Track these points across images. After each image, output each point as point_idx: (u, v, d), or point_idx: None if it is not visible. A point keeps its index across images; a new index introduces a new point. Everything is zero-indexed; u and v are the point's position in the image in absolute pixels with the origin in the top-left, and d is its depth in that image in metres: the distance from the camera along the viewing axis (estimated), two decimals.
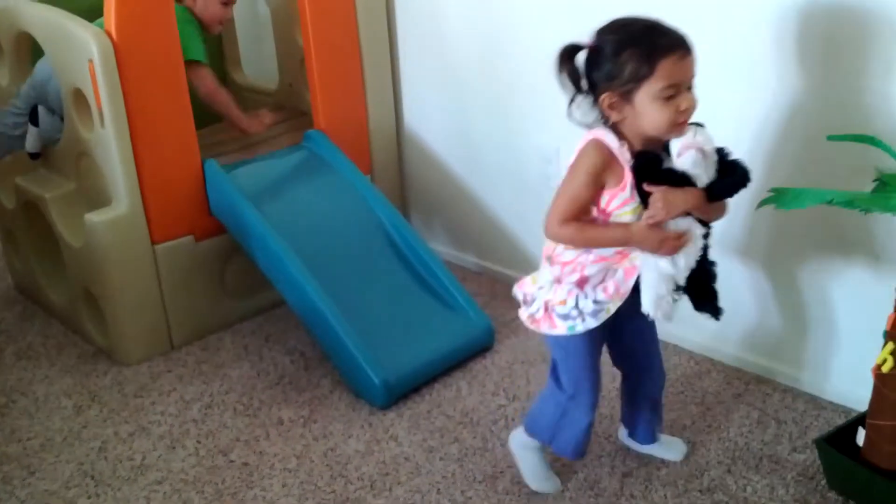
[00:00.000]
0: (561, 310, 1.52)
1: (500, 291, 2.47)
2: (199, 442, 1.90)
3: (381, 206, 2.32)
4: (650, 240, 1.43)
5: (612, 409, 1.88)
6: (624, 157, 1.43)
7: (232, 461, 1.83)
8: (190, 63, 2.30)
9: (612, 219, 1.45)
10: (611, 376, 1.79)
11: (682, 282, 1.48)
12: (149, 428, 1.95)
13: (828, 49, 1.71)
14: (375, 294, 2.16)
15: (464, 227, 2.63)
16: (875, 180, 1.61)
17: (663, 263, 1.45)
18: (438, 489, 1.71)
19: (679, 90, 1.38)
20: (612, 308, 1.50)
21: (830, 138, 1.63)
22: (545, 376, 2.03)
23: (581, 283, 1.50)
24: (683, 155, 1.40)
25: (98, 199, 2.22)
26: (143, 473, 1.81)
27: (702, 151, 1.40)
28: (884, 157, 1.56)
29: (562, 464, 1.75)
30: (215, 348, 2.26)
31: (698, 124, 1.45)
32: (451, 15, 2.41)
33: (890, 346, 1.52)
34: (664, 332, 2.13)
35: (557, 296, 1.52)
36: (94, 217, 2.11)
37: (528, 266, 2.44)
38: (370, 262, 2.23)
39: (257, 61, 3.05)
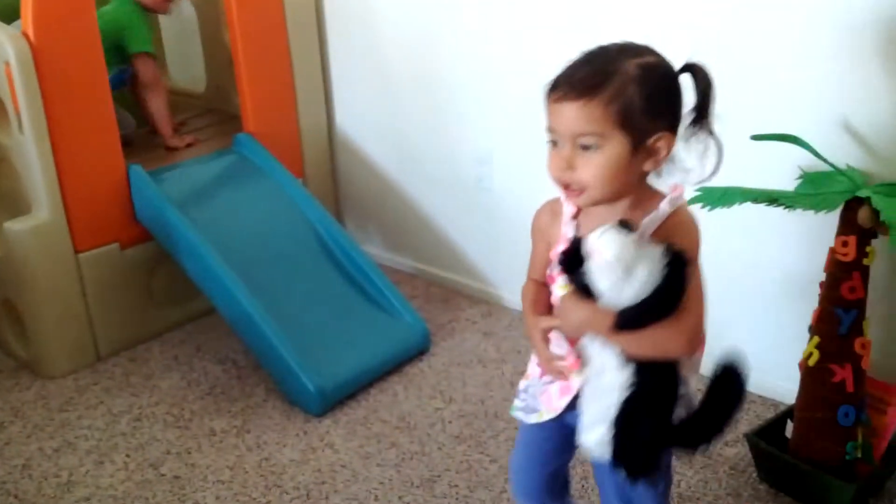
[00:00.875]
0: (521, 383, 1.30)
1: (435, 294, 2.47)
2: (128, 456, 1.84)
3: (314, 210, 2.29)
4: (533, 347, 1.19)
5: None
6: (567, 213, 1.18)
7: (163, 475, 1.78)
8: (138, 54, 2.33)
9: (553, 289, 1.19)
10: None
11: (587, 431, 1.13)
12: (75, 443, 1.89)
13: (749, 45, 1.75)
14: (309, 299, 2.13)
15: (399, 230, 2.62)
16: (798, 178, 1.65)
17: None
18: (376, 496, 1.69)
19: (557, 140, 1.10)
20: (546, 416, 1.23)
21: (754, 138, 1.67)
22: (481, 378, 2.04)
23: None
24: (591, 258, 1.05)
25: (18, 206, 2.13)
26: (69, 490, 1.74)
27: (605, 261, 1.03)
28: (806, 156, 1.60)
29: (499, 466, 1.75)
30: (144, 359, 2.20)
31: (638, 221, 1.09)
32: (383, 15, 2.40)
33: (815, 340, 1.56)
34: None
35: (530, 364, 1.28)
36: (14, 225, 2.03)
37: (463, 268, 2.45)
38: (303, 267, 2.20)
39: (183, 63, 2.98)
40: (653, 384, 1.09)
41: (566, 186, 1.10)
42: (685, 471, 1.71)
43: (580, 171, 1.07)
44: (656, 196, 1.12)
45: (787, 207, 1.54)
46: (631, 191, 1.11)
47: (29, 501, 1.72)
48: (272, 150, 2.37)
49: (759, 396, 1.90)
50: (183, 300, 2.32)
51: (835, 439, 1.56)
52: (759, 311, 1.89)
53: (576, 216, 1.17)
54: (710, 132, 1.11)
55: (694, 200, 1.59)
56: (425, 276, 2.57)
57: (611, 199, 1.11)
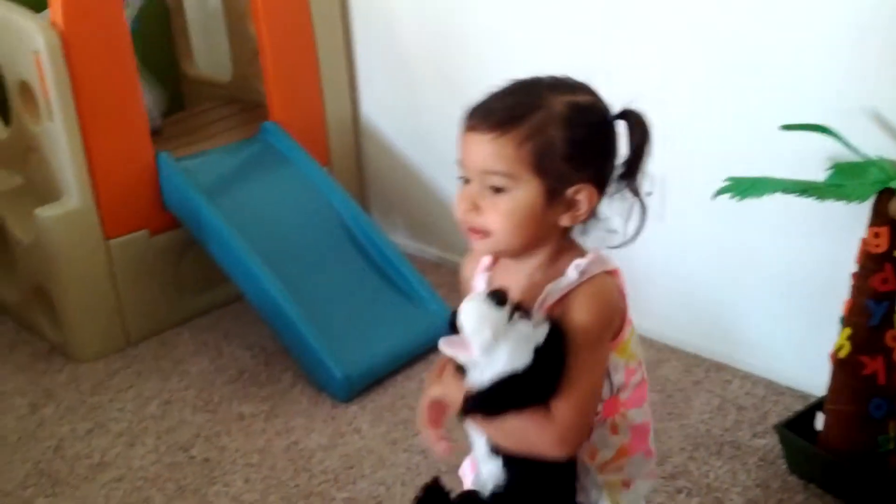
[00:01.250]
0: None
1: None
2: (158, 438, 1.87)
3: (340, 198, 2.30)
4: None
5: None
6: (483, 263, 1.07)
7: (192, 457, 1.80)
8: None
9: None
10: None
11: None
12: (107, 425, 1.92)
13: (779, 33, 1.74)
14: (335, 287, 2.14)
15: (424, 219, 2.62)
16: (828, 169, 1.64)
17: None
18: (403, 481, 1.71)
19: (466, 176, 0.98)
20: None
21: (784, 128, 1.66)
22: None
23: None
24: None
25: (48, 193, 2.16)
26: (101, 471, 1.77)
27: (464, 335, 0.92)
28: (837, 146, 1.59)
29: None
30: (173, 344, 2.23)
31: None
32: (408, 3, 2.40)
33: (847, 331, 1.55)
34: None
35: None
36: (45, 212, 2.06)
37: None
38: (329, 254, 2.21)
39: (209, 53, 3.00)
40: (524, 484, 0.95)
41: (471, 230, 0.97)
42: (714, 461, 1.71)
43: (485, 215, 0.95)
44: (575, 257, 0.98)
45: (818, 198, 1.54)
46: (546, 246, 0.98)
47: (62, 481, 1.75)
48: (298, 139, 2.38)
49: (789, 388, 1.90)
50: (211, 286, 2.34)
51: (866, 432, 1.55)
52: (790, 303, 1.88)
53: (491, 267, 1.05)
54: (636, 193, 1.00)
55: (722, 191, 1.59)
56: (450, 265, 2.57)
57: (519, 251, 0.98)
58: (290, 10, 2.39)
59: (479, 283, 1.05)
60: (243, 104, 2.65)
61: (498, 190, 0.94)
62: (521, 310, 0.93)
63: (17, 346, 2.25)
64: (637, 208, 1.01)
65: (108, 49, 2.05)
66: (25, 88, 2.06)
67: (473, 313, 0.90)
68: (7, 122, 2.25)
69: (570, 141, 0.94)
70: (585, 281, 0.96)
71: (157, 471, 1.77)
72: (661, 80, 1.93)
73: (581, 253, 1.00)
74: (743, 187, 1.57)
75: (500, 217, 0.95)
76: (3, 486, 1.74)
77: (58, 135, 2.02)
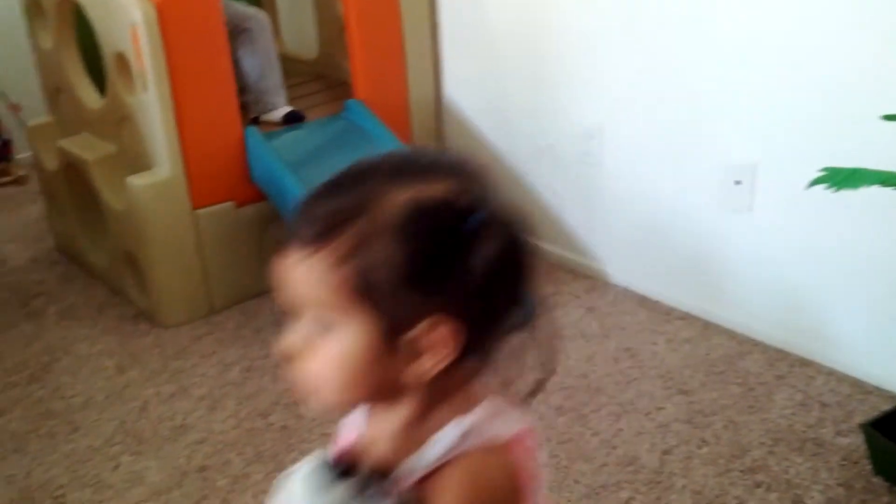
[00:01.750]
0: None
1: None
2: (238, 404, 1.91)
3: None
4: None
5: (653, 386, 1.88)
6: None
7: (271, 424, 1.84)
8: None
9: None
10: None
11: None
12: (189, 389, 1.97)
13: (880, 25, 1.67)
14: None
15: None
16: None
17: None
18: None
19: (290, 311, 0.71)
20: None
21: (886, 118, 1.60)
22: (583, 352, 2.04)
23: None
24: None
25: (140, 163, 2.23)
26: (183, 433, 1.83)
27: None
28: None
29: (600, 439, 1.74)
30: (254, 313, 2.27)
31: None
32: None
33: None
34: (703, 309, 2.13)
35: None
36: (137, 180, 2.12)
37: (567, 242, 2.43)
38: None
39: (296, 30, 3.04)
40: None
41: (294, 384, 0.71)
42: (794, 457, 1.67)
43: (308, 362, 0.68)
44: (460, 411, 0.70)
45: None
46: (408, 400, 0.70)
47: (146, 441, 1.81)
48: (381, 117, 2.40)
49: (877, 387, 1.84)
50: None
51: None
52: (881, 300, 1.82)
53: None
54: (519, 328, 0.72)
55: (817, 181, 1.54)
56: None
57: (368, 403, 0.73)
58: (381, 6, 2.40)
59: (351, 424, 0.77)
60: (328, 81, 2.68)
61: (323, 329, 0.67)
62: (379, 480, 0.68)
63: (106, 310, 2.33)
64: (532, 351, 0.73)
65: (202, 23, 2.09)
66: (122, 60, 2.12)
67: (300, 488, 0.67)
68: (102, 92, 2.32)
69: (409, 257, 0.64)
70: (461, 455, 0.68)
71: (237, 435, 1.81)
72: (752, 67, 1.88)
73: (470, 403, 0.70)
74: (839, 178, 1.52)
75: (321, 367, 0.68)
76: (92, 443, 1.81)
77: (151, 105, 2.07)
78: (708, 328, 2.11)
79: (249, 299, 2.33)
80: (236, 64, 2.42)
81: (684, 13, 1.97)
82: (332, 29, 2.66)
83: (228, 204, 2.24)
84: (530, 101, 2.41)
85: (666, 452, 1.71)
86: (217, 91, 2.15)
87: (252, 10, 2.50)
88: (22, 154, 3.39)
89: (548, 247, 2.49)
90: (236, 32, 2.34)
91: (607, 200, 2.30)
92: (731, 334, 2.08)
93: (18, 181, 3.30)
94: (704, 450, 1.71)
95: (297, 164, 2.21)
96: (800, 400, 1.84)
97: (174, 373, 2.04)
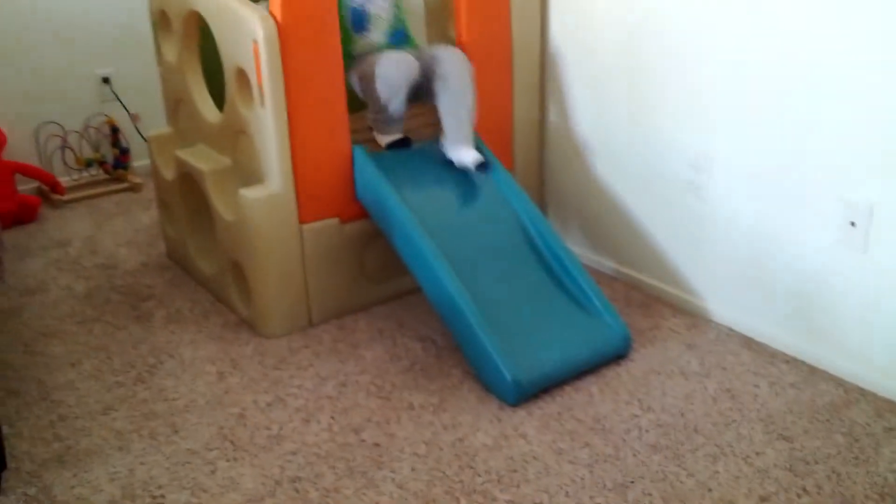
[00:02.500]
0: None
1: (635, 299, 2.43)
2: (332, 418, 1.94)
3: (523, 202, 2.31)
4: None
5: (753, 430, 1.82)
6: None
7: (363, 440, 1.86)
8: None
9: None
10: None
11: None
12: (286, 400, 2.02)
13: None
14: (511, 290, 2.15)
15: (602, 230, 2.59)
16: None
17: None
18: (567, 492, 1.69)
19: None
20: None
21: None
22: (682, 390, 1.99)
23: None
24: None
25: (251, 176, 2.30)
26: (278, 443, 1.86)
27: None
28: None
29: (696, 481, 1.70)
30: (351, 329, 2.31)
31: None
32: (601, 13, 2.38)
33: None
34: (809, 353, 2.05)
35: None
36: (249, 193, 2.19)
37: (668, 275, 2.39)
38: (508, 257, 2.23)
39: None
40: None
41: None
42: None
43: None
44: None
45: None
46: None
47: (242, 448, 1.85)
48: (485, 141, 2.41)
49: None
50: (391, 277, 2.42)
51: None
52: None
53: None
54: None
55: None
56: (626, 279, 2.54)
57: None
58: (491, 12, 2.43)
59: None
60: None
61: None
62: None
63: (211, 317, 2.41)
64: None
65: (319, 42, 2.15)
66: (241, 75, 2.20)
67: None
68: (220, 107, 2.41)
69: None
70: None
71: (330, 449, 1.84)
72: (869, 103, 1.82)
73: None
74: None
75: None
76: (191, 446, 1.87)
77: (267, 121, 2.14)
78: (814, 373, 2.04)
79: (346, 315, 2.37)
80: (423, 95, 2.38)
81: (797, 44, 1.92)
82: None
83: (333, 220, 2.28)
84: (635, 128, 2.39)
85: (764, 499, 1.65)
86: (329, 109, 2.21)
87: (443, 53, 2.36)
88: (138, 162, 3.56)
89: (649, 280, 2.46)
90: (430, 76, 2.33)
91: (713, 234, 2.25)
92: (838, 381, 2.00)
93: (134, 188, 3.46)
94: (805, 499, 1.65)
95: (401, 184, 2.24)
96: None
97: (272, 382, 2.09)
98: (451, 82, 2.30)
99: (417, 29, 2.91)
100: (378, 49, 2.37)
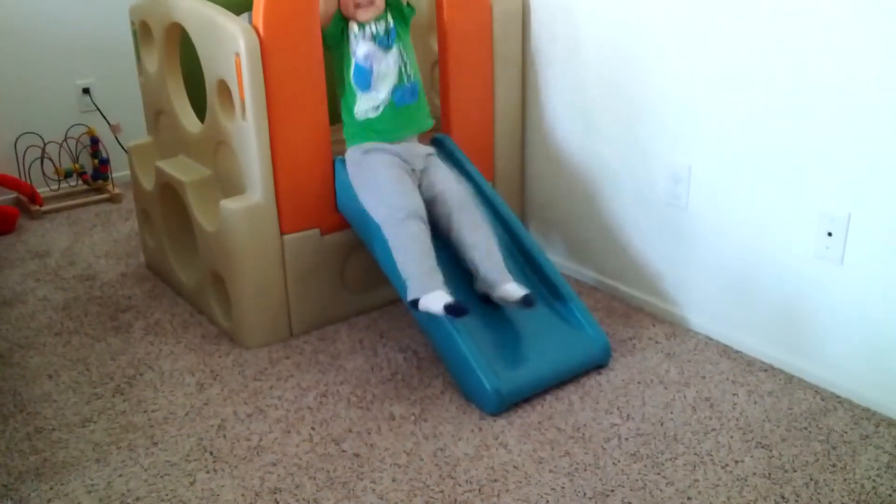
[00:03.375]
0: None
1: (616, 309, 2.44)
2: (313, 429, 1.94)
3: (505, 214, 2.32)
4: None
5: (732, 438, 1.83)
6: None
7: (344, 451, 1.86)
8: None
9: None
10: None
11: None
12: (266, 411, 2.01)
13: None
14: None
15: (583, 241, 2.61)
16: None
17: None
18: (547, 501, 1.70)
19: None
20: None
21: None
22: (661, 399, 2.00)
23: None
24: None
25: (232, 186, 2.30)
26: (258, 454, 1.86)
27: None
28: None
29: (675, 489, 1.71)
30: (332, 339, 2.31)
31: None
32: (584, 30, 2.40)
33: None
34: (787, 362, 2.07)
35: None
36: (230, 204, 2.19)
37: (648, 286, 2.41)
38: None
39: None
40: None
41: None
42: None
43: None
44: None
45: None
46: None
47: (222, 459, 1.85)
48: (466, 152, 2.43)
49: None
50: (371, 288, 2.42)
51: None
52: None
53: None
54: None
55: None
56: (607, 289, 2.55)
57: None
58: (474, 27, 2.45)
59: None
60: None
61: None
62: None
63: (190, 328, 2.40)
64: None
65: (301, 55, 2.15)
66: (223, 86, 2.20)
67: None
68: (201, 119, 2.41)
69: None
70: None
71: (310, 460, 1.84)
72: (848, 116, 1.85)
73: None
74: None
75: None
76: (170, 458, 1.85)
77: (249, 133, 2.14)
78: (791, 382, 2.06)
79: (326, 325, 2.37)
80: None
81: (777, 59, 1.95)
82: (424, 63, 2.70)
83: (314, 231, 2.29)
84: (617, 140, 2.41)
85: None
86: (311, 121, 2.21)
87: (444, 185, 2.20)
88: (118, 173, 3.54)
89: (630, 290, 2.47)
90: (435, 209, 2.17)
91: (693, 245, 2.27)
92: (815, 389, 2.02)
93: (113, 199, 3.44)
94: None
95: None
96: (886, 462, 1.77)
97: (252, 393, 2.08)
98: (464, 215, 2.14)
99: None
100: (383, 113, 2.20)
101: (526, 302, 2.01)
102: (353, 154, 2.22)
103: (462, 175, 2.33)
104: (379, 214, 2.10)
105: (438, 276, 2.00)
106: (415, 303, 1.99)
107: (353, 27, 2.19)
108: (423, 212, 2.10)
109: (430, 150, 2.29)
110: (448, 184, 2.20)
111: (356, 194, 2.18)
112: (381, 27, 2.19)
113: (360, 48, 2.18)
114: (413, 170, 2.20)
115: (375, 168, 2.16)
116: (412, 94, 2.23)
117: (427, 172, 2.22)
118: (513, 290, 2.04)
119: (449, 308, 1.92)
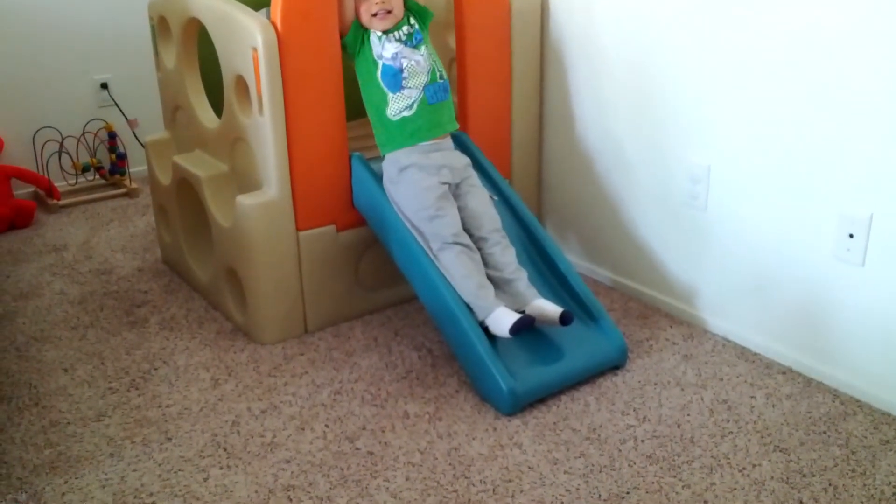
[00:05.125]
0: None
1: (633, 309, 2.42)
2: (327, 426, 1.93)
3: (522, 212, 2.31)
4: None
5: (749, 442, 1.81)
6: None
7: (358, 448, 1.85)
8: None
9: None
10: None
11: None
12: (280, 407, 2.00)
13: None
14: None
15: (600, 240, 2.59)
16: None
17: None
18: (562, 502, 1.68)
19: None
20: None
21: None
22: (678, 401, 1.99)
23: None
24: None
25: (248, 182, 2.29)
26: (272, 451, 1.85)
27: None
28: None
29: (691, 492, 1.69)
30: (346, 336, 2.30)
31: None
32: (602, 28, 2.38)
33: None
34: (806, 365, 2.05)
35: None
36: (246, 200, 2.18)
37: (665, 286, 2.39)
38: None
39: None
40: None
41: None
42: None
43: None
44: None
45: None
46: None
47: (236, 456, 1.84)
48: (483, 150, 2.41)
49: None
50: (386, 285, 2.41)
51: None
52: None
53: None
54: None
55: None
56: (624, 289, 2.53)
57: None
58: (492, 24, 2.43)
59: None
60: None
61: None
62: None
63: (205, 324, 2.40)
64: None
65: (319, 50, 2.14)
66: (240, 82, 2.20)
67: None
68: (219, 115, 2.41)
69: None
70: None
71: (324, 457, 1.83)
72: (869, 117, 1.82)
73: None
74: None
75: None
76: (184, 453, 1.85)
77: (266, 128, 2.14)
78: (810, 385, 2.03)
79: (341, 322, 2.36)
80: None
81: (799, 57, 1.93)
82: (442, 61, 2.69)
83: (330, 227, 2.28)
84: (635, 139, 2.39)
85: None
86: (328, 117, 2.20)
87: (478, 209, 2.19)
88: (135, 168, 3.55)
89: (647, 290, 2.45)
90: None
91: (711, 246, 2.25)
92: (834, 393, 2.00)
93: (130, 194, 3.45)
94: None
95: None
96: None
97: (266, 390, 2.08)
98: (494, 235, 2.15)
99: None
100: (417, 111, 2.15)
101: (564, 320, 2.02)
102: (389, 169, 2.18)
103: (480, 173, 2.31)
104: (425, 234, 2.11)
105: (491, 292, 2.05)
106: (483, 325, 2.02)
107: (375, 34, 2.17)
108: (464, 235, 2.11)
109: (467, 160, 2.25)
110: (481, 208, 2.18)
111: (391, 203, 2.17)
112: (405, 31, 2.17)
113: (387, 49, 2.15)
114: (449, 184, 2.16)
115: (414, 188, 2.12)
116: (444, 90, 2.20)
117: (461, 188, 2.19)
118: (549, 305, 2.06)
119: (514, 330, 1.96)
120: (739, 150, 2.12)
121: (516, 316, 1.98)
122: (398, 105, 2.15)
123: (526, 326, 1.97)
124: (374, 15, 2.14)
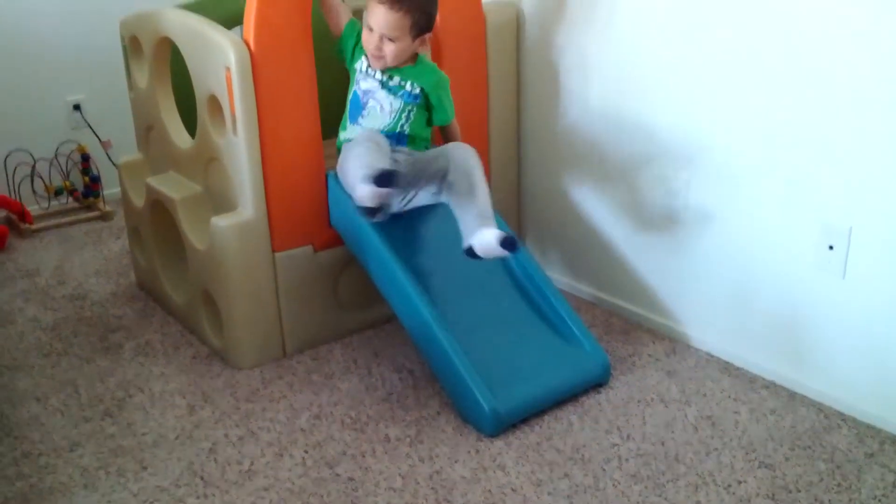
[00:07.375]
0: None
1: (615, 325, 2.40)
2: (306, 452, 1.89)
3: (501, 228, 2.28)
4: None
5: (734, 458, 1.79)
6: None
7: (338, 475, 1.82)
8: None
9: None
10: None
11: None
12: (258, 434, 1.96)
13: None
14: (489, 318, 2.12)
15: (581, 256, 2.57)
16: None
17: None
18: None
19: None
20: None
21: None
22: (662, 418, 1.96)
23: None
24: None
25: (223, 203, 2.26)
26: (250, 479, 1.81)
27: None
28: None
29: None
30: (325, 359, 2.27)
31: None
32: (579, 40, 2.37)
33: None
34: (789, 379, 2.04)
35: None
36: (220, 221, 2.15)
37: (647, 302, 2.37)
38: (485, 284, 2.20)
39: None
40: None
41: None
42: None
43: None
44: None
45: None
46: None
47: (213, 484, 1.80)
48: None
49: None
50: (366, 306, 2.38)
51: None
52: None
53: None
54: None
55: None
56: (605, 305, 2.51)
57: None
58: (468, 40, 2.41)
59: None
60: None
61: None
62: None
63: (181, 348, 2.36)
64: None
65: (293, 69, 2.11)
66: (213, 102, 2.17)
67: None
68: (193, 135, 2.38)
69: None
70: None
71: (303, 484, 1.79)
72: (850, 129, 1.82)
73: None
74: None
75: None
76: (160, 482, 1.81)
77: (240, 148, 2.11)
78: (794, 399, 2.02)
79: (320, 344, 2.33)
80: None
81: (779, 72, 1.92)
82: None
83: (307, 248, 2.25)
84: (614, 155, 2.38)
85: None
86: (303, 136, 2.17)
87: (451, 153, 2.17)
88: (109, 190, 3.50)
89: (629, 306, 2.44)
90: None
91: (693, 261, 2.23)
92: (818, 406, 1.98)
93: (104, 216, 3.40)
94: None
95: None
96: (892, 481, 1.73)
97: (244, 416, 2.03)
98: (458, 185, 2.11)
99: None
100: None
101: (507, 245, 1.95)
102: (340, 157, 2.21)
103: None
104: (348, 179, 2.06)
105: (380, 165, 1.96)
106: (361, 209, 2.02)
107: (364, 61, 2.17)
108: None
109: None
110: (451, 144, 2.20)
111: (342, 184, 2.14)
112: (395, 80, 2.15)
113: (365, 81, 2.17)
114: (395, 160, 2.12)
115: (354, 148, 2.10)
116: (397, 141, 2.17)
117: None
118: (487, 237, 1.98)
119: (372, 179, 1.91)
120: (720, 163, 2.11)
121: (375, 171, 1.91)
122: (351, 134, 2.18)
123: (385, 180, 1.90)
124: (369, 51, 2.13)
